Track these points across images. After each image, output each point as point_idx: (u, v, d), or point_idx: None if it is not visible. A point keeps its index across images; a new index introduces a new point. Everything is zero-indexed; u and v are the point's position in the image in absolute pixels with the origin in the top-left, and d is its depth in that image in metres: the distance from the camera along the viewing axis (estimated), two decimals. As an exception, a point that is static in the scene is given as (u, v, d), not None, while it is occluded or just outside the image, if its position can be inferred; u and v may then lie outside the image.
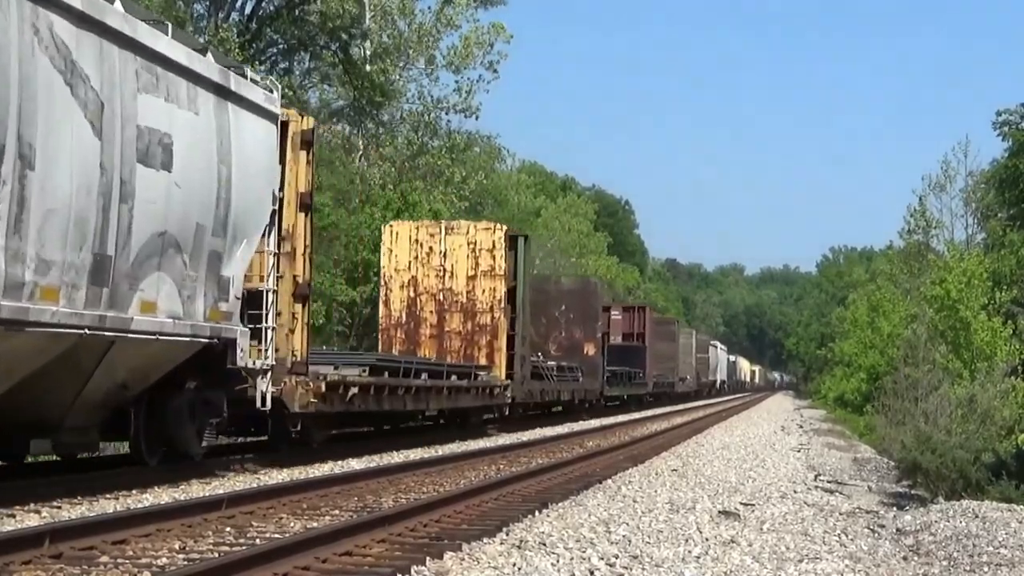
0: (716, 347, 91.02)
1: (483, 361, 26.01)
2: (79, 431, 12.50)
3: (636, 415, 40.03)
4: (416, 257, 26.83)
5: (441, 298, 26.67)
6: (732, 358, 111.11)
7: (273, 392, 14.79)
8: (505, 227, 27.63)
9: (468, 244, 26.70)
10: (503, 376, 26.11)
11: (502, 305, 26.43)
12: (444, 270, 26.73)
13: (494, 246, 26.70)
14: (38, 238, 10.18)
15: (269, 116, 14.67)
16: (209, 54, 13.41)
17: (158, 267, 12.15)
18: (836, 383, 58.99)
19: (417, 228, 27.12)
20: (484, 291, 26.52)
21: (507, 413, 27.08)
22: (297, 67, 39.97)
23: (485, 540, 9.40)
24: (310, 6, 36.28)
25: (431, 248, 26.83)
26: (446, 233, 26.92)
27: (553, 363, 31.95)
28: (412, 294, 26.71)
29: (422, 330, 26.66)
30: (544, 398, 30.50)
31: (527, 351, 28.25)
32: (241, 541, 9.00)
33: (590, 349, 36.86)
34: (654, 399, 53.63)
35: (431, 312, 26.67)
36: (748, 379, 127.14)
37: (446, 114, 41.07)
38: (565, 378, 32.81)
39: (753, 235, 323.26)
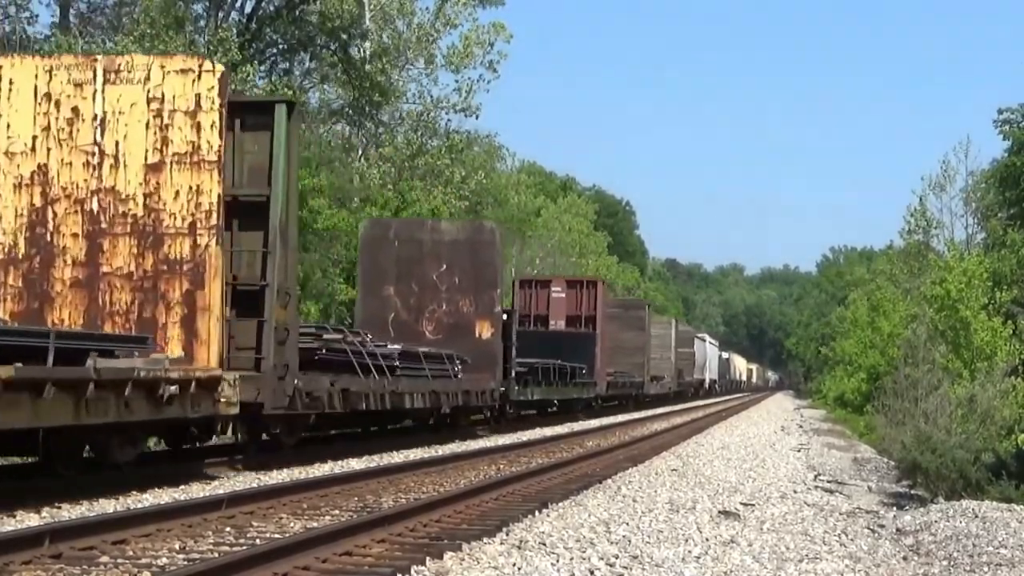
0: (704, 341, 78.84)
1: (175, 331, 13.88)
2: None
3: (586, 424, 30.90)
4: (48, 127, 14.30)
5: (95, 208, 14.18)
6: (725, 355, 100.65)
7: None
8: (222, 68, 14.68)
9: (150, 102, 14.28)
10: (211, 362, 13.73)
11: (215, 224, 14.04)
12: (102, 154, 14.25)
13: (199, 105, 14.23)
14: None
15: None
16: None
17: None
18: (836, 383, 58.96)
19: (49, 71, 14.34)
20: (179, 196, 14.15)
21: (235, 436, 16.12)
22: (297, 67, 39.98)
23: (485, 540, 9.41)
24: (309, 6, 36.28)
25: (76, 110, 14.32)
26: (105, 80, 14.34)
27: (395, 348, 19.57)
28: (39, 200, 14.25)
29: (57, 272, 14.13)
30: (353, 405, 17.32)
31: (294, 317, 15.58)
32: (241, 541, 9.00)
33: (484, 330, 24.91)
34: (615, 403, 43.39)
35: (75, 237, 14.17)
36: (744, 378, 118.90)
37: (446, 114, 41.11)
38: (419, 372, 20.32)
39: (753, 235, 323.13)
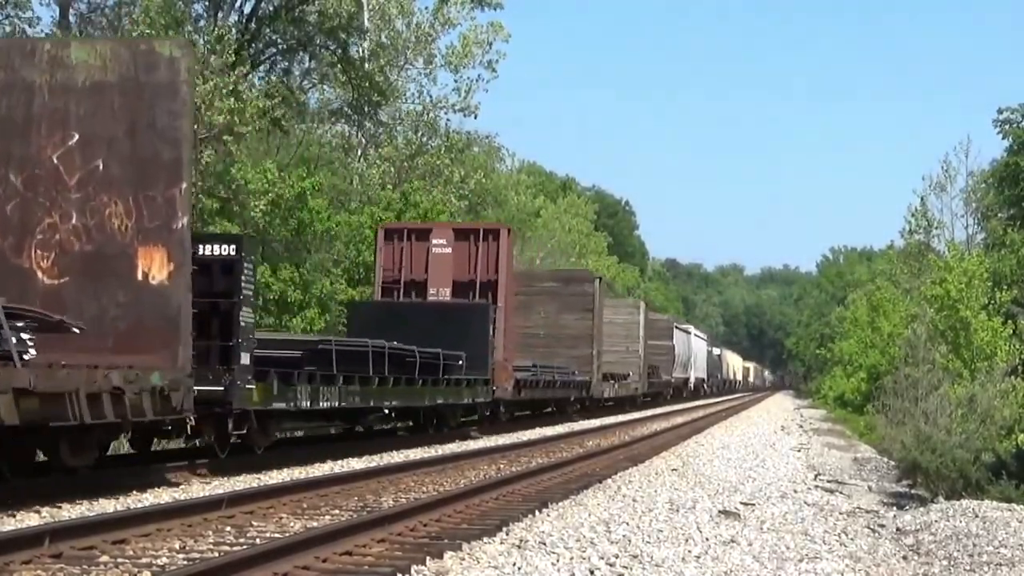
0: (689, 333, 66.50)
1: None
2: None
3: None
4: None
5: None
6: (716, 351, 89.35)
7: None
8: None
9: None
10: None
11: None
12: None
13: None
14: None
15: None
16: None
17: None
18: (835, 383, 58.97)
19: None
20: None
21: None
22: (297, 67, 40.00)
23: (485, 540, 9.41)
24: (308, 6, 36.29)
25: None
26: None
27: None
28: None
29: None
30: None
31: None
32: (241, 541, 9.01)
33: (155, 266, 12.72)
34: (548, 410, 32.85)
35: None
36: (740, 378, 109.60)
37: (445, 114, 41.16)
38: None
39: (753, 235, 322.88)
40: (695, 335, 70.64)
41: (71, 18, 32.61)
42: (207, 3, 34.56)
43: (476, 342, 23.33)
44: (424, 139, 40.84)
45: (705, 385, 74.81)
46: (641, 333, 46.03)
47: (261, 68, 36.35)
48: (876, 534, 11.43)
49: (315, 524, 9.90)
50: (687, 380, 63.66)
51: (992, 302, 26.84)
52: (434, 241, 26.07)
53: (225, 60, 27.79)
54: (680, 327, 63.11)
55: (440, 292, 25.68)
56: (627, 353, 44.22)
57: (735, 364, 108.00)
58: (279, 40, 37.60)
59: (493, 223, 33.20)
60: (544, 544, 9.37)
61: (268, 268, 27.11)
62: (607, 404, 39.36)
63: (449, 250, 25.99)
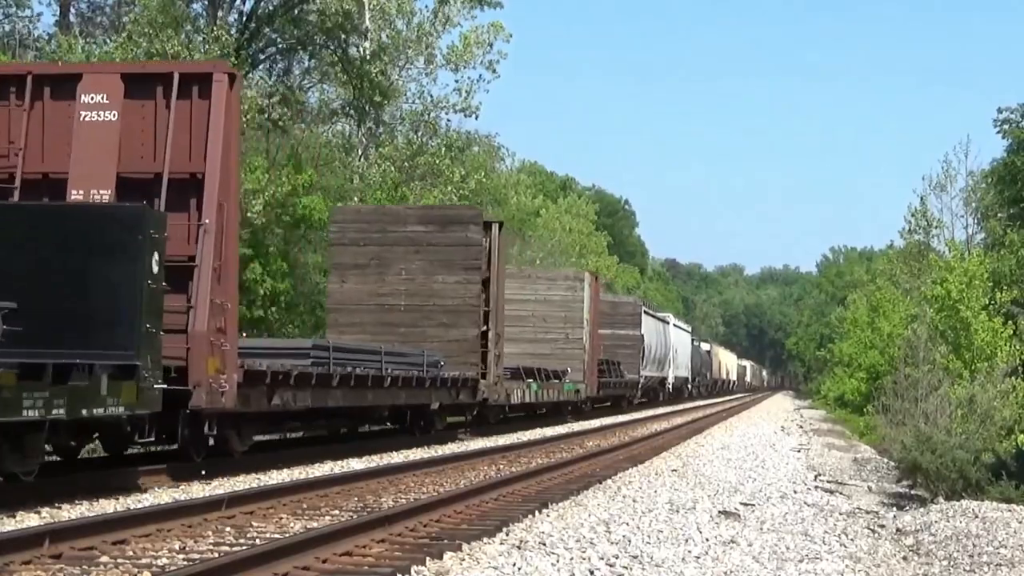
0: (666, 323, 54.57)
1: None
2: None
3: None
4: None
5: None
6: (705, 346, 80.00)
7: None
8: None
9: None
10: None
11: None
12: None
13: None
14: None
15: None
16: None
17: None
18: (836, 383, 58.94)
19: None
20: None
21: None
22: (296, 67, 40.01)
23: (485, 540, 9.41)
24: (308, 5, 36.29)
25: None
26: None
27: None
28: None
29: None
30: None
31: None
32: (241, 541, 9.02)
33: None
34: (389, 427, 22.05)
35: None
36: (734, 377, 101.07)
37: (446, 114, 41.15)
38: None
39: (753, 235, 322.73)
40: (675, 325, 58.29)
41: (71, 17, 32.63)
42: (206, 3, 34.57)
43: (107, 286, 11.55)
44: (424, 139, 40.83)
45: (690, 386, 63.61)
46: (586, 316, 34.73)
47: (261, 67, 36.34)
48: (876, 535, 11.43)
49: (315, 524, 9.91)
50: (664, 380, 52.67)
51: (992, 302, 26.85)
52: (85, 99, 13.92)
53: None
54: (652, 314, 50.88)
55: (93, 195, 13.70)
56: (566, 342, 33.71)
57: (728, 362, 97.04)
58: (279, 39, 37.63)
59: (200, 63, 21.13)
60: (544, 544, 9.37)
61: (259, 264, 26.89)
62: (509, 415, 27.76)
63: (114, 116, 13.90)
